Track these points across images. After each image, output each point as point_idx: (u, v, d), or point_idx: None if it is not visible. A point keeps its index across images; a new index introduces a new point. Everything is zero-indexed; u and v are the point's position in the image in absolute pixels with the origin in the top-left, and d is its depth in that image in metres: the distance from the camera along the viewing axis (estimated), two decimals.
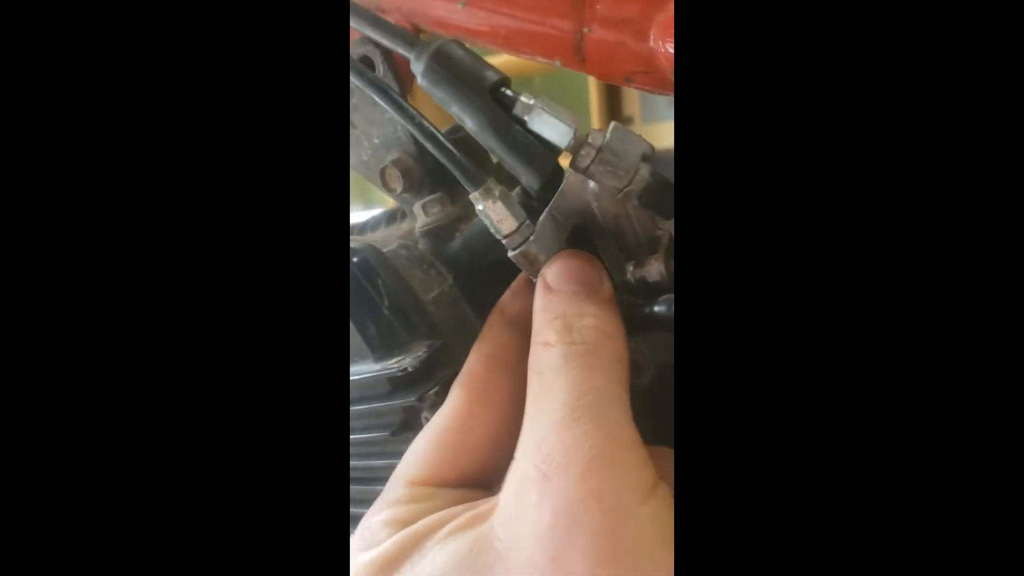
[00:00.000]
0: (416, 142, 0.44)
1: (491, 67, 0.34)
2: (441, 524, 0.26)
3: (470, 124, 0.32)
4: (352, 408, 0.37)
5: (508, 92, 0.32)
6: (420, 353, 0.37)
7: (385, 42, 0.37)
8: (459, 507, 0.27)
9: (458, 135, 0.47)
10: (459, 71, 0.33)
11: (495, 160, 0.36)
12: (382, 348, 0.37)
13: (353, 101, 0.45)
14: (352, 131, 0.46)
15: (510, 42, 0.36)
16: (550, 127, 0.31)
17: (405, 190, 0.44)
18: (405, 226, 0.45)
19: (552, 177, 0.32)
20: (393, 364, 0.36)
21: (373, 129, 0.45)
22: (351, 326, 0.37)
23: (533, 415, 0.27)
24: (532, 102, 0.31)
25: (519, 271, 0.42)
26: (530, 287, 0.37)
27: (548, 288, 0.31)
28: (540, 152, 0.31)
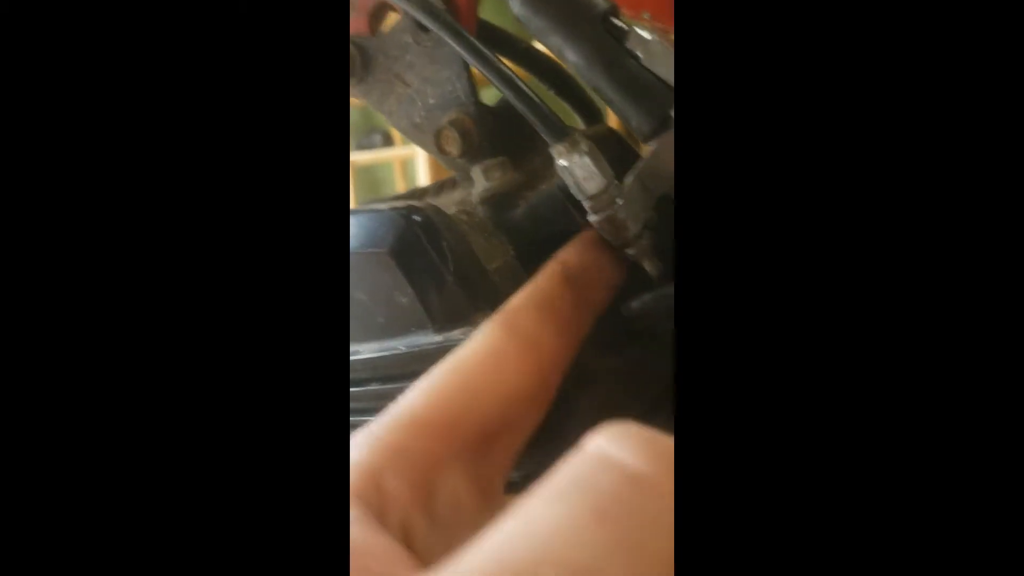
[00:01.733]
0: (476, 102, 0.41)
1: None
2: None
3: (574, 57, 0.28)
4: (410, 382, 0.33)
5: (620, 22, 0.28)
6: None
7: None
8: None
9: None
10: None
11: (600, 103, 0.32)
12: (444, 318, 0.33)
13: (408, 58, 0.41)
14: (405, 90, 0.42)
15: None
16: (669, 63, 0.27)
17: (462, 154, 0.40)
18: (459, 194, 0.41)
19: (664, 123, 0.28)
20: (458, 335, 0.32)
21: (428, 88, 0.41)
22: (412, 292, 0.33)
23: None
24: (649, 35, 0.27)
25: None
26: (597, 246, 0.33)
27: None
28: (656, 90, 0.27)
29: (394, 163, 2.09)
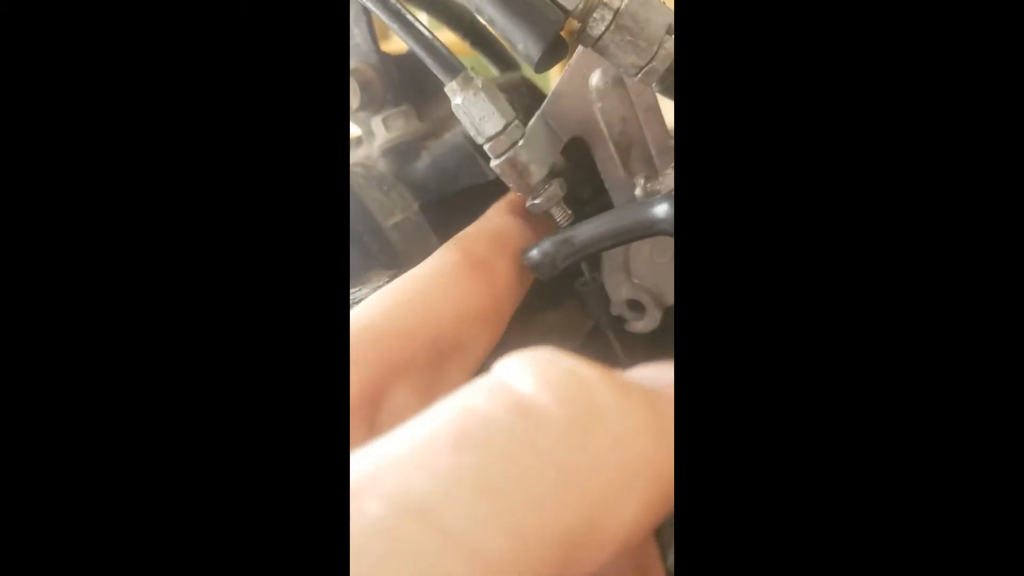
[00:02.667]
0: (377, 52, 0.38)
1: None
2: None
3: None
4: None
5: None
6: (380, 284, 0.30)
7: None
8: None
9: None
10: None
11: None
12: None
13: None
14: None
15: None
16: None
17: (363, 107, 0.37)
18: (362, 151, 0.38)
19: (555, 48, 0.26)
20: (351, 293, 0.29)
21: None
22: None
23: None
24: None
25: (494, 199, 0.35)
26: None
27: None
28: (545, 10, 0.24)
29: None
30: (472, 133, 0.29)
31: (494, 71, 0.45)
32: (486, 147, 0.29)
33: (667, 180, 0.30)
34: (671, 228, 0.26)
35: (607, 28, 0.25)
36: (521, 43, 0.25)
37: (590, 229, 0.28)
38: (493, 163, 0.30)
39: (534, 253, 0.28)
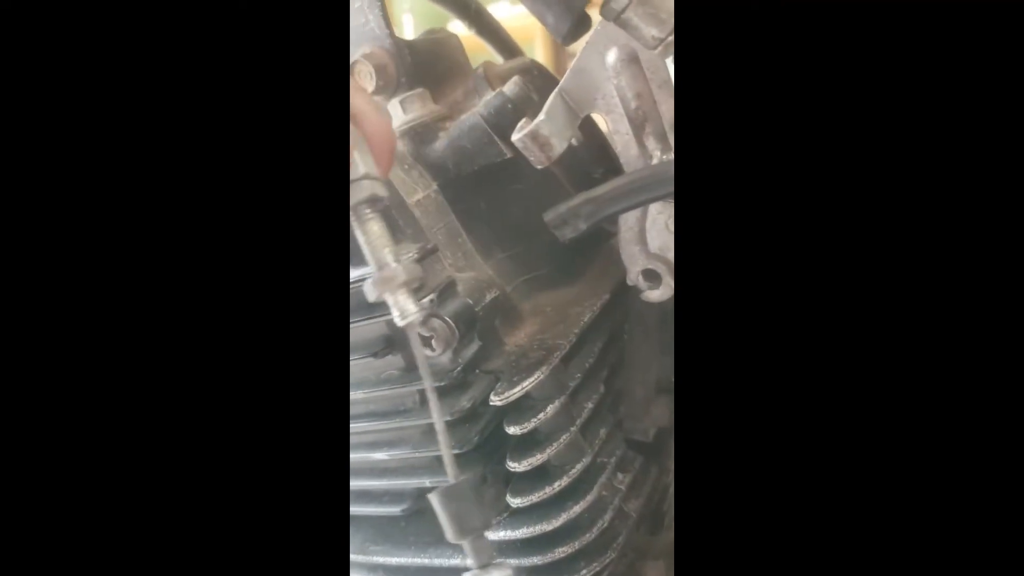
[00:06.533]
0: (391, 36, 0.39)
1: None
2: None
3: None
4: None
5: None
6: (411, 253, 0.31)
7: None
8: None
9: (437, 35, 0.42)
10: None
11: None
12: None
13: None
14: None
15: None
16: None
17: (378, 90, 0.38)
18: None
19: (581, 21, 0.27)
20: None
21: None
22: None
23: None
24: None
25: (509, 178, 0.36)
26: None
27: None
28: None
29: None
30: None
31: (499, 57, 0.46)
32: None
33: None
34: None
35: (630, 2, 0.26)
36: (551, 17, 0.26)
37: (610, 188, 0.29)
38: (515, 136, 0.31)
39: (556, 214, 0.29)
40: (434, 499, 0.25)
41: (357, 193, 0.24)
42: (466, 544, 0.25)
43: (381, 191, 0.25)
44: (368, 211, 0.25)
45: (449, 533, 0.25)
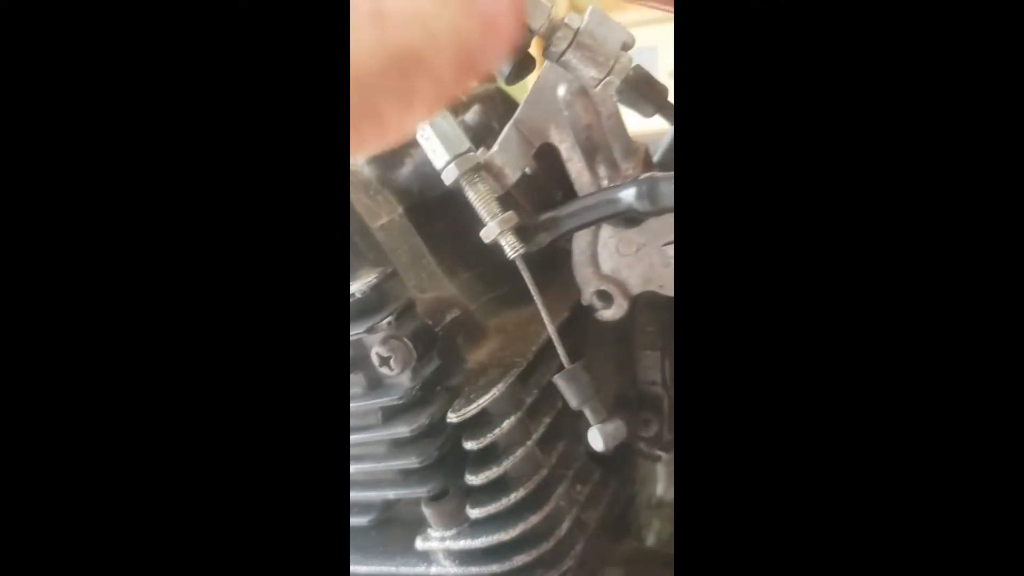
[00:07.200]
0: None
1: None
2: None
3: None
4: None
5: None
6: (370, 279, 0.33)
7: None
8: None
9: None
10: None
11: None
12: None
13: None
14: None
15: None
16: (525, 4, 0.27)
17: None
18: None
19: (523, 63, 0.29)
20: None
21: None
22: None
23: None
24: None
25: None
26: None
27: None
28: None
29: None
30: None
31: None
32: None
33: (627, 172, 0.33)
34: (639, 206, 0.31)
35: (568, 46, 0.28)
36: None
37: (570, 207, 0.32)
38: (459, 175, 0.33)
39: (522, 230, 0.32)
40: (558, 380, 0.33)
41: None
42: (585, 408, 0.33)
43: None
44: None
45: (572, 403, 0.33)
